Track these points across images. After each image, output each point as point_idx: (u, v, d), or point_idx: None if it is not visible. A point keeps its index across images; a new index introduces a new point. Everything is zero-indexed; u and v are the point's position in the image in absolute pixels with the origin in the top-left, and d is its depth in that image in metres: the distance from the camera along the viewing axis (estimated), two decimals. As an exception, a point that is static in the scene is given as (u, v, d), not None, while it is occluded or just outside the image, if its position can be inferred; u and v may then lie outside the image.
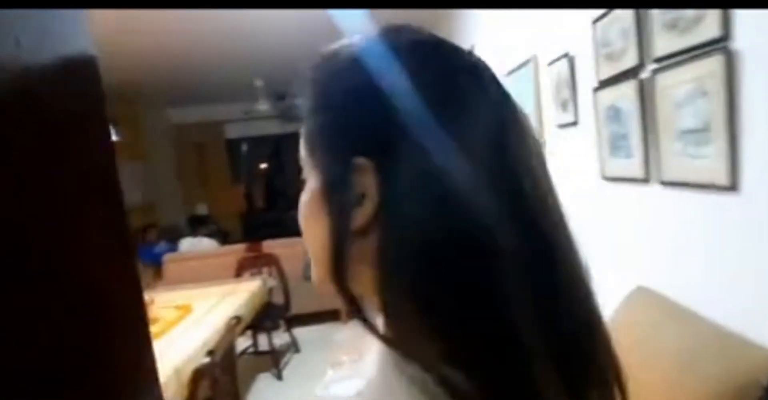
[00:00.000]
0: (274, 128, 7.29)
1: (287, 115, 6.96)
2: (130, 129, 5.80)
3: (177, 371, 1.58)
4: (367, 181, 0.34)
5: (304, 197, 0.39)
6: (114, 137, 2.32)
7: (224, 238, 5.66)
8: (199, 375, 1.59)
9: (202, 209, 6.19)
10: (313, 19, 3.12)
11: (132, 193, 5.57)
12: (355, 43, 0.39)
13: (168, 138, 6.65)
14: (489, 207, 0.32)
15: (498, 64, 2.60)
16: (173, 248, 4.84)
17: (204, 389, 1.66)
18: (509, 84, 2.42)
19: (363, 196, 0.34)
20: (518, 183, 0.34)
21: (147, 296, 2.69)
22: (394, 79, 0.34)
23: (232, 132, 7.22)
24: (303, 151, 0.40)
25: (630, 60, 1.47)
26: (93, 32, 0.37)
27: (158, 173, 6.36)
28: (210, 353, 1.67)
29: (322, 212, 0.36)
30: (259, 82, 4.99)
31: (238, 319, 2.05)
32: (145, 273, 4.45)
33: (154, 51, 3.90)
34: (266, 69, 4.74)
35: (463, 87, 0.36)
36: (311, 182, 0.39)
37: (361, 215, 0.34)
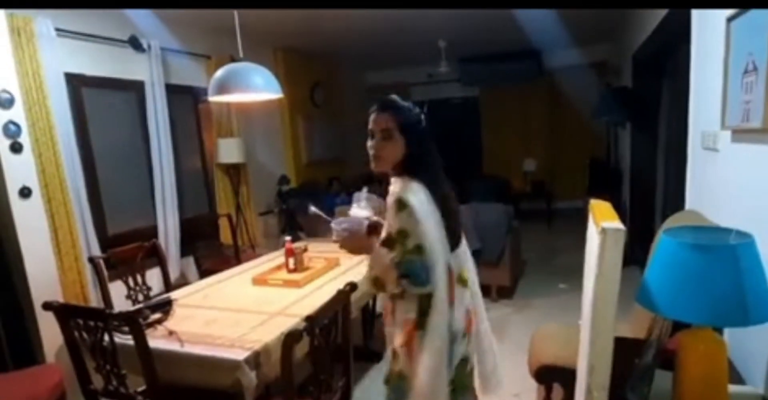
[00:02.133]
0: (455, 92, 7.36)
1: (466, 78, 6.75)
2: (329, 90, 6.28)
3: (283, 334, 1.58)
4: None
5: None
6: (279, 94, 2.47)
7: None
8: (290, 339, 1.47)
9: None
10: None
11: (321, 148, 6.06)
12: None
13: (362, 99, 6.99)
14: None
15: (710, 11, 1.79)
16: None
17: (302, 351, 1.60)
18: (734, 34, 1.71)
19: None
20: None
21: (302, 244, 2.71)
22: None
23: (417, 95, 7.41)
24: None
25: None
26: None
27: (348, 131, 6.73)
28: (308, 318, 1.52)
29: None
30: (442, 43, 4.93)
31: (353, 285, 1.79)
32: (317, 222, 4.77)
33: (350, 16, 4.04)
34: (450, 29, 4.64)
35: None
36: None
37: None
